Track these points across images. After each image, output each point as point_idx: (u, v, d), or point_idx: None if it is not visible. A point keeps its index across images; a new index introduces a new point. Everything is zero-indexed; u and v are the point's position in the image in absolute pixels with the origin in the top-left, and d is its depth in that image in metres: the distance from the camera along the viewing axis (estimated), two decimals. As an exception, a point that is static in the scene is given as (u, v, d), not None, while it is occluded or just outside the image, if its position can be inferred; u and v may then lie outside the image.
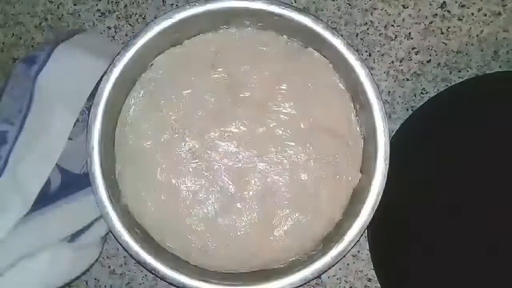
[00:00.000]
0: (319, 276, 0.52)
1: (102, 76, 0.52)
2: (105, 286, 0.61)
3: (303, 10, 0.53)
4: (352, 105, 0.55)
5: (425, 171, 0.56)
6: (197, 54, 0.55)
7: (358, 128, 0.55)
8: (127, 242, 0.51)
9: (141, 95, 0.55)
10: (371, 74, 0.52)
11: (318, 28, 0.52)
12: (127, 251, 0.51)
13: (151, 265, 0.51)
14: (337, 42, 0.52)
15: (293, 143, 0.54)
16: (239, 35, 0.55)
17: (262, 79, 0.54)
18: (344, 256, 0.51)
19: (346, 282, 0.59)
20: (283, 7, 0.52)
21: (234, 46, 0.55)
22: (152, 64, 0.56)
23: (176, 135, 0.54)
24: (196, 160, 0.54)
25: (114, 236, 0.51)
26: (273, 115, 0.54)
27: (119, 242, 0.51)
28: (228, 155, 0.54)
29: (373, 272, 0.58)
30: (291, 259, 0.54)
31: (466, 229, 0.55)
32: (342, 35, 0.50)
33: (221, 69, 0.55)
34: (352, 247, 0.51)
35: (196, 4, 0.52)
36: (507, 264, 0.54)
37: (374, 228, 0.51)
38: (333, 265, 0.51)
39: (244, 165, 0.54)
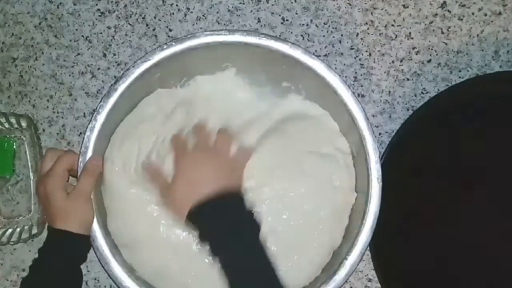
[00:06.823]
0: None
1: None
2: (105, 286, 0.60)
3: (281, 38, 0.52)
4: (336, 124, 0.55)
5: (425, 171, 0.56)
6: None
7: (346, 146, 0.54)
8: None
9: (120, 140, 0.54)
10: (355, 95, 0.51)
11: (297, 54, 0.51)
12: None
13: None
14: (318, 66, 0.51)
15: (283, 172, 0.52)
16: (215, 79, 0.55)
17: (241, 125, 0.53)
18: (348, 277, 0.51)
19: (346, 282, 0.58)
20: (260, 37, 0.51)
21: (209, 93, 0.55)
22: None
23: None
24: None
25: (116, 284, 0.51)
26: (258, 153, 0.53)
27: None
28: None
29: (373, 272, 0.57)
30: None
31: (466, 229, 0.55)
32: (323, 56, 0.48)
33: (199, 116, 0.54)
34: (354, 270, 0.51)
35: (173, 43, 0.51)
36: (508, 267, 0.54)
37: (374, 229, 0.51)
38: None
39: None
